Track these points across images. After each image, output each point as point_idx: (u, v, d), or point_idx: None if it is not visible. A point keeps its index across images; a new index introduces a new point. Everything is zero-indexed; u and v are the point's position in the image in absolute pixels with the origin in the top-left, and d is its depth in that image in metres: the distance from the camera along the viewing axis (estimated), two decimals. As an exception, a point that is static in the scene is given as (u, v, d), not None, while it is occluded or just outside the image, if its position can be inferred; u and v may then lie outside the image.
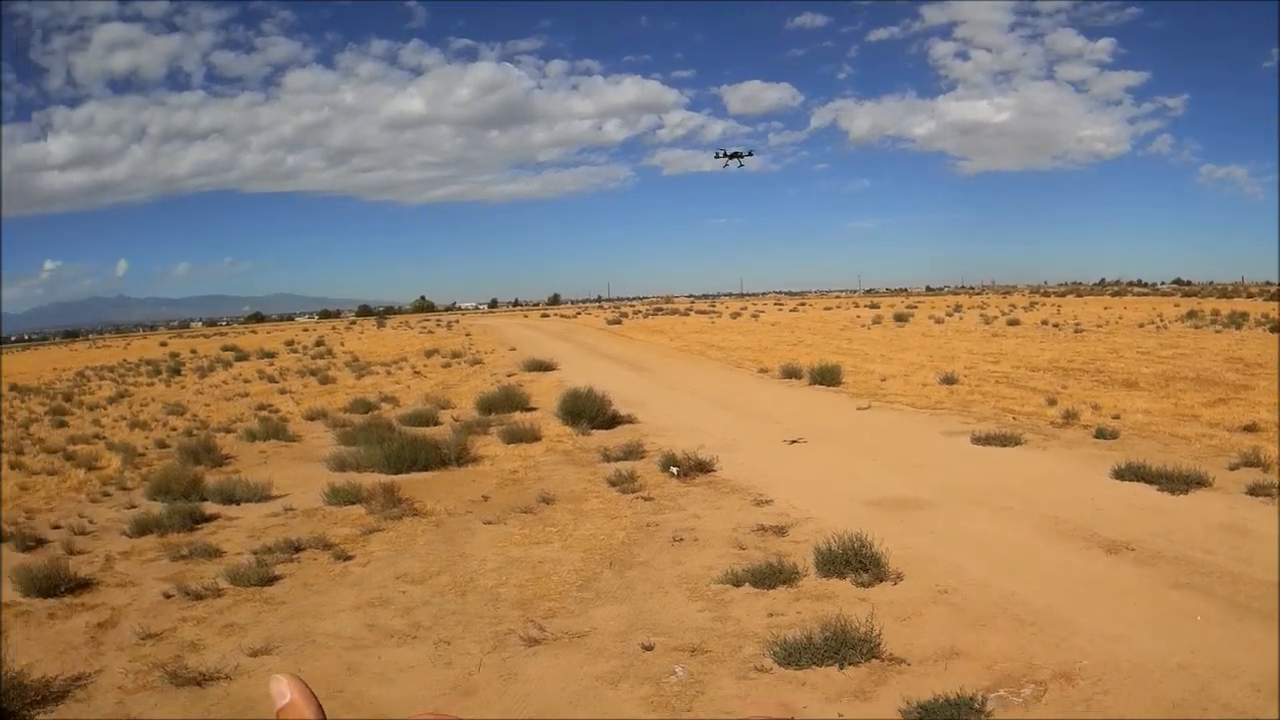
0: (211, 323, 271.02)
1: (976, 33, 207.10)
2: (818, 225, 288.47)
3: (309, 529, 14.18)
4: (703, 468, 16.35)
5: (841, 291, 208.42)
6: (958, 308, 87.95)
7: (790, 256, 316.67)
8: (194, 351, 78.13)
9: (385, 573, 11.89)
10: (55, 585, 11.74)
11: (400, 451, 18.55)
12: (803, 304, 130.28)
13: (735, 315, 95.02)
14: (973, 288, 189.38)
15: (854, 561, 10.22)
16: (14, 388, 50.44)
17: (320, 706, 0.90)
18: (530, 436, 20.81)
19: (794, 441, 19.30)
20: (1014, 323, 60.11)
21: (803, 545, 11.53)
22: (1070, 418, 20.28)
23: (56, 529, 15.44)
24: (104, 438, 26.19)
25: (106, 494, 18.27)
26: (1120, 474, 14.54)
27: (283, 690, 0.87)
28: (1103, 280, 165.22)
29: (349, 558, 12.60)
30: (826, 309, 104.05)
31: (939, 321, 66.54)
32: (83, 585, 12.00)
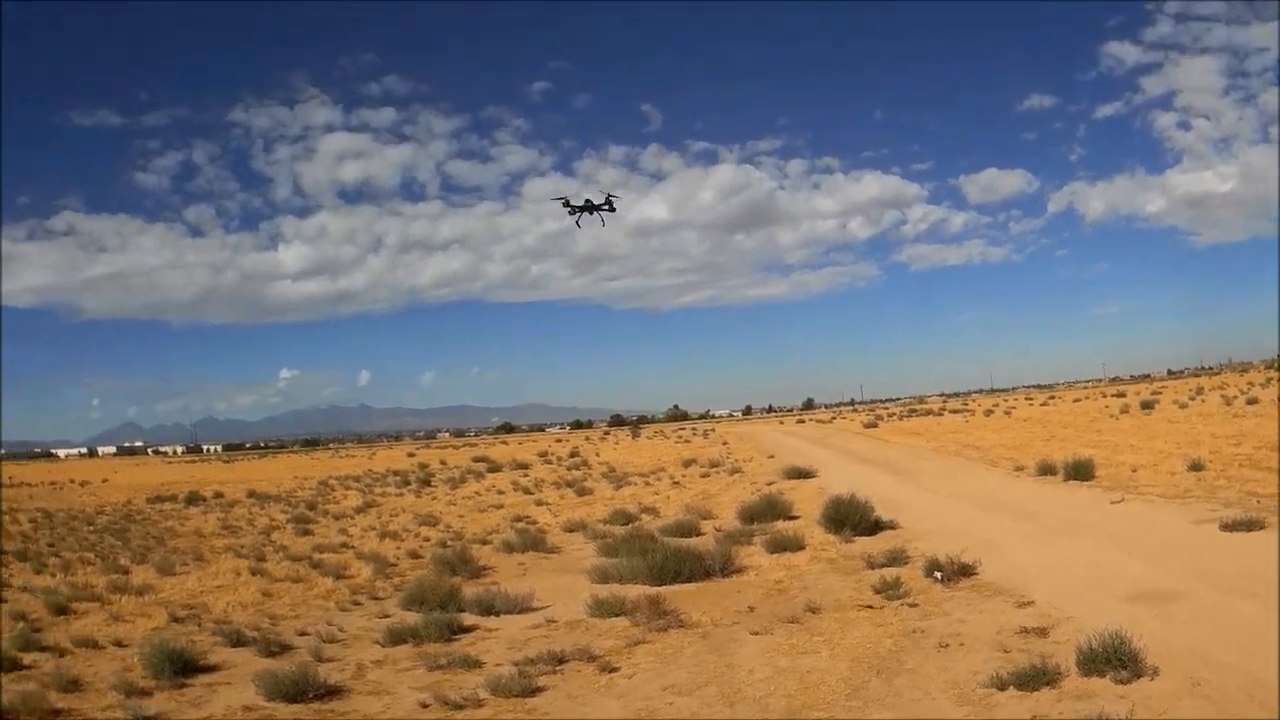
0: (459, 433, 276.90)
1: (1194, 100, 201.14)
2: (1060, 314, 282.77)
3: (572, 640, 14.14)
4: (965, 571, 16.19)
5: (1087, 381, 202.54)
6: (1199, 390, 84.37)
7: (1036, 348, 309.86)
8: (443, 462, 79.29)
9: (652, 684, 11.91)
10: (303, 691, 11.99)
11: (664, 563, 18.52)
12: (1052, 397, 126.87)
13: (988, 413, 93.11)
14: (1210, 367, 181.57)
15: (1113, 659, 10.30)
16: (252, 494, 52.63)
17: None
18: (794, 545, 20.58)
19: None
20: (1252, 401, 57.49)
21: (1064, 645, 11.49)
22: (1311, 499, 19.52)
23: (303, 635, 15.85)
24: (352, 547, 26.92)
25: (356, 603, 18.74)
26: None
27: None
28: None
29: (614, 669, 12.63)
30: (1075, 401, 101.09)
31: (1182, 406, 64.19)
32: (332, 692, 12.31)
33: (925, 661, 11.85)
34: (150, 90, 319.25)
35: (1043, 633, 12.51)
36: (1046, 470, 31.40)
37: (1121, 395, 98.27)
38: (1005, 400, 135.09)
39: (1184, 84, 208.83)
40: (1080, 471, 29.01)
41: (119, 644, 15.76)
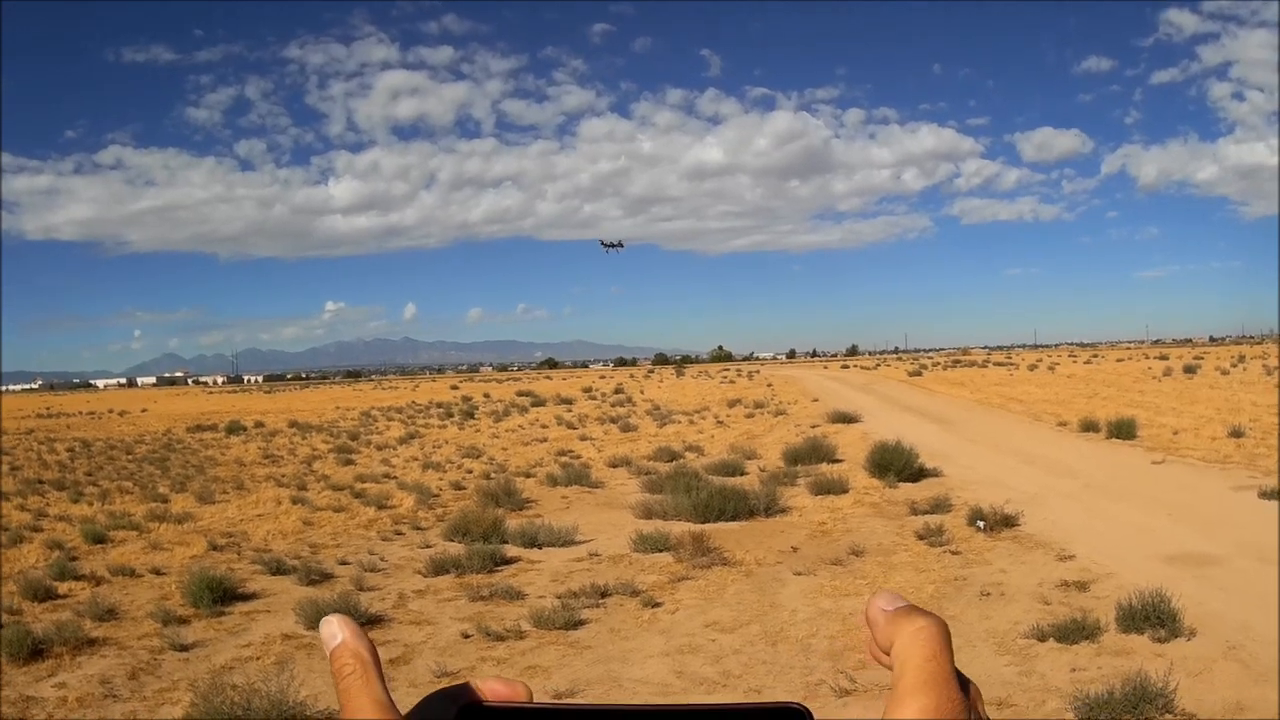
0: (503, 368, 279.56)
1: (1250, 72, 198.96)
2: (1108, 275, 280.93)
3: (615, 575, 13.96)
4: (1008, 522, 15.96)
5: (1130, 342, 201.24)
6: (1241, 358, 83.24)
7: (1082, 307, 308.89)
8: (487, 396, 79.61)
9: (695, 621, 11.77)
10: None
11: (709, 501, 18.30)
12: (1095, 356, 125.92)
13: (1032, 368, 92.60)
14: (1253, 336, 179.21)
15: (1152, 618, 10.17)
16: (294, 424, 52.72)
17: (374, 646, 0.92)
18: (838, 488, 20.42)
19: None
20: (1295, 371, 56.46)
21: (1104, 601, 11.37)
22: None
23: (344, 565, 15.72)
24: (395, 477, 26.72)
25: (399, 533, 18.54)
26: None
27: (334, 631, 0.94)
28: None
29: (657, 605, 12.47)
30: (1119, 361, 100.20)
31: (1224, 373, 63.43)
32: (374, 621, 12.15)
33: (967, 609, 11.73)
34: (204, 26, 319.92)
35: (1083, 587, 12.36)
36: (1089, 427, 31.25)
37: (1164, 358, 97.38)
38: (1049, 356, 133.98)
39: (1240, 56, 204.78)
40: (1123, 431, 28.92)
41: (157, 572, 15.68)
